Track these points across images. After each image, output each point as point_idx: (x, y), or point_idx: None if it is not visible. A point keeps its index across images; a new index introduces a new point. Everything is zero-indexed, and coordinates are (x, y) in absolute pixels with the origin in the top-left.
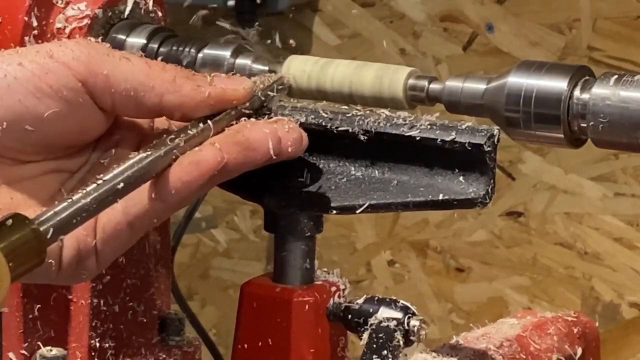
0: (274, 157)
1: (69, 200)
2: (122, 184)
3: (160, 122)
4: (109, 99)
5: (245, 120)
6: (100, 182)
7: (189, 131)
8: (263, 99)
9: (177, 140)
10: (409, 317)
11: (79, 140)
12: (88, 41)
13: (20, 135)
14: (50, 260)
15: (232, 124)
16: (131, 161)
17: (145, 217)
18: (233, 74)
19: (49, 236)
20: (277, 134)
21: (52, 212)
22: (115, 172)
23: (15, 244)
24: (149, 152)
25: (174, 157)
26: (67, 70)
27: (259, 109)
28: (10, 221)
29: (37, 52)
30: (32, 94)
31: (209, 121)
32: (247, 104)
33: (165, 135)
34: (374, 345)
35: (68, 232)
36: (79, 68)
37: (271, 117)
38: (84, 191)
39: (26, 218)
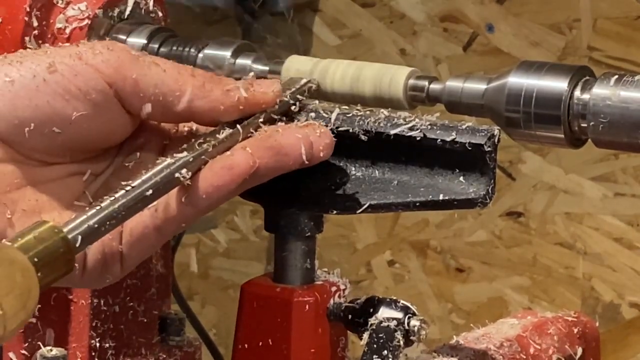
0: (306, 162)
1: (97, 208)
2: (150, 191)
3: (185, 125)
4: (137, 103)
5: (276, 123)
6: (128, 188)
7: (217, 135)
8: (292, 102)
9: (205, 145)
10: (409, 317)
11: (105, 143)
12: (119, 44)
13: (47, 137)
14: (75, 264)
15: (261, 127)
16: (159, 167)
17: (173, 221)
18: (238, 77)
19: (77, 244)
20: (309, 139)
21: (80, 220)
22: (143, 178)
23: (44, 252)
24: (177, 157)
25: (202, 162)
26: (96, 73)
27: (287, 112)
28: (39, 230)
29: (66, 54)
30: (61, 95)
31: (237, 125)
32: (276, 108)
33: (193, 140)
34: (375, 345)
35: (96, 239)
36: (108, 71)
37: (296, 120)
38: (112, 198)
39: (55, 227)
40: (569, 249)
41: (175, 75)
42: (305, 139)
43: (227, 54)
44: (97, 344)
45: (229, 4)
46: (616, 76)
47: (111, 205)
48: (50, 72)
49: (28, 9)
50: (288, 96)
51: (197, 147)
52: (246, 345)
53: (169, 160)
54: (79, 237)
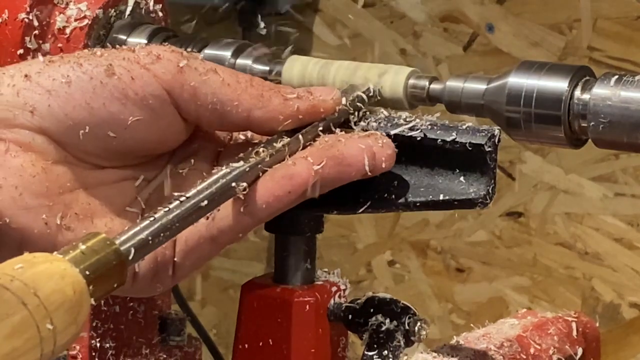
0: (369, 173)
1: (151, 219)
2: (206, 201)
3: (240, 132)
4: (193, 111)
5: (334, 132)
6: (183, 199)
7: (274, 144)
8: (351, 110)
9: (262, 154)
10: (409, 317)
11: (158, 149)
12: (178, 50)
13: (102, 140)
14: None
15: (320, 136)
16: (215, 177)
17: (230, 231)
18: None
19: (130, 257)
20: (372, 150)
21: (133, 232)
22: (198, 188)
23: (96, 265)
24: (234, 167)
25: (259, 172)
26: (154, 79)
27: (346, 120)
28: (91, 241)
29: (124, 57)
30: (118, 99)
31: (299, 134)
32: (336, 116)
33: (249, 149)
34: (375, 346)
35: (150, 252)
36: (166, 77)
37: (353, 129)
38: (166, 209)
39: (107, 238)
40: (569, 249)
41: (234, 84)
42: (369, 149)
43: (228, 54)
44: (97, 344)
45: (229, 4)
46: (616, 76)
47: (165, 217)
48: (108, 75)
49: (28, 9)
50: (347, 104)
51: (253, 156)
52: (246, 345)
53: (224, 169)
54: (132, 250)
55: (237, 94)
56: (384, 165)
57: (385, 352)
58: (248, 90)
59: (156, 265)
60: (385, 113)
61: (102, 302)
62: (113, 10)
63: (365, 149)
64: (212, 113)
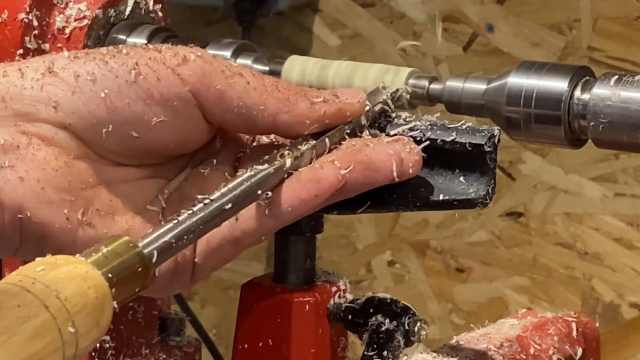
0: (396, 179)
1: (174, 222)
2: (230, 204)
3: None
4: (219, 114)
5: (365, 135)
6: (207, 201)
7: (300, 147)
8: (378, 113)
9: (287, 157)
10: (409, 318)
11: (181, 149)
12: (205, 52)
13: (125, 139)
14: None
15: (346, 140)
16: (239, 179)
17: (253, 234)
18: None
19: (154, 260)
20: (400, 155)
21: (156, 235)
22: (222, 191)
23: (119, 268)
24: (258, 170)
25: (285, 175)
26: (179, 80)
27: (373, 123)
28: (113, 244)
29: (150, 57)
30: (143, 99)
31: (325, 138)
32: (362, 119)
33: (274, 151)
34: (375, 346)
35: (173, 255)
36: (192, 79)
37: (377, 133)
38: (190, 212)
39: (130, 241)
40: (569, 249)
41: (260, 88)
42: (397, 154)
43: (227, 54)
44: (97, 344)
45: (229, 4)
46: (616, 76)
47: (188, 219)
48: (134, 74)
49: (28, 9)
50: (373, 106)
51: (279, 159)
52: (246, 346)
53: (249, 172)
54: (155, 253)
55: (263, 98)
56: (411, 171)
57: (385, 352)
58: (274, 94)
59: (176, 266)
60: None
61: None
62: (113, 10)
63: (394, 154)
64: (237, 117)
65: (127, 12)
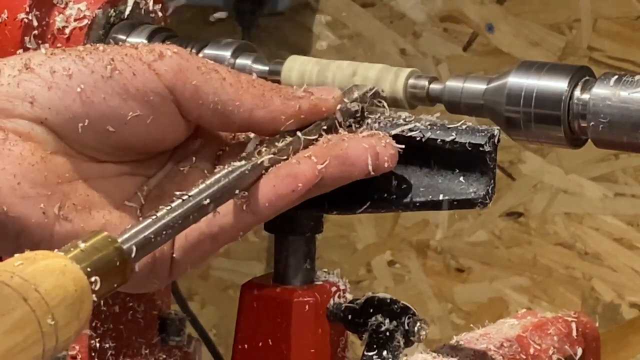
0: (372, 173)
1: (153, 217)
2: (208, 200)
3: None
4: (195, 110)
5: (337, 132)
6: (185, 198)
7: (277, 143)
8: (354, 110)
9: (264, 154)
10: (409, 318)
11: (158, 146)
12: (181, 49)
13: (101, 134)
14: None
15: (322, 136)
16: (217, 176)
17: (231, 229)
18: None
19: (133, 255)
20: (376, 149)
21: (135, 230)
22: (200, 187)
23: (98, 263)
24: (236, 166)
25: (262, 171)
26: (155, 76)
27: (349, 120)
28: (93, 240)
29: (127, 53)
30: (118, 94)
31: (298, 133)
32: (338, 115)
33: (253, 148)
34: (374, 346)
35: (152, 250)
36: (168, 75)
37: (359, 128)
38: (168, 207)
39: (109, 236)
40: (569, 249)
41: (236, 84)
42: (372, 148)
43: (227, 54)
44: (97, 344)
45: (229, 4)
46: (616, 76)
47: (167, 215)
48: (110, 69)
49: (28, 9)
50: (349, 103)
51: (256, 155)
52: (246, 346)
53: (227, 169)
54: (134, 248)
55: (239, 94)
56: (386, 165)
57: (385, 352)
58: (250, 90)
59: (154, 261)
60: (386, 113)
61: (102, 302)
62: (112, 10)
63: (369, 148)
64: (213, 112)
65: (127, 12)
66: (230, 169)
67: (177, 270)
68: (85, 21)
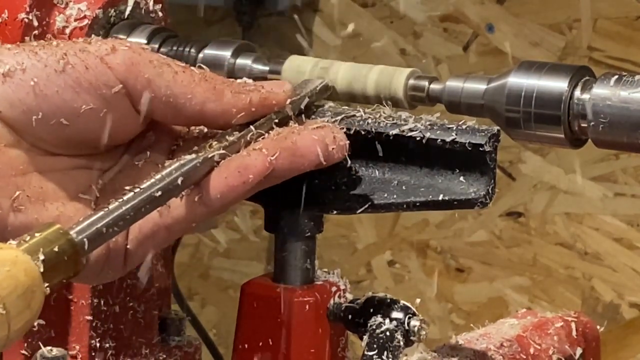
0: (323, 163)
1: (105, 210)
2: (160, 192)
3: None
4: (147, 103)
5: (289, 125)
6: (137, 190)
7: (228, 137)
8: (304, 103)
9: (215, 147)
10: (409, 318)
11: (113, 140)
12: (133, 43)
13: (55, 127)
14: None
15: (274, 129)
16: (169, 169)
17: (184, 221)
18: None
19: (85, 247)
20: (325, 140)
21: (87, 223)
22: (152, 180)
23: (50, 255)
24: (187, 160)
25: (215, 163)
26: (108, 69)
27: (300, 113)
28: (45, 232)
29: (79, 47)
30: (71, 87)
31: (251, 126)
32: (289, 108)
33: (204, 142)
34: (375, 346)
35: (104, 242)
36: (120, 68)
37: (310, 121)
38: (121, 200)
39: (61, 229)
40: (569, 249)
41: (188, 78)
42: (321, 140)
43: (227, 54)
44: (97, 344)
45: (229, 4)
46: (616, 76)
47: (119, 208)
48: (63, 63)
49: (28, 9)
50: (300, 97)
51: (207, 148)
52: (246, 345)
53: (179, 161)
54: (86, 240)
55: (191, 87)
56: (336, 156)
57: (385, 352)
58: (201, 84)
59: (108, 252)
60: (386, 113)
61: (102, 302)
62: (113, 10)
63: (318, 139)
64: (165, 106)
65: (127, 12)
66: (182, 162)
67: (131, 261)
68: (86, 21)
